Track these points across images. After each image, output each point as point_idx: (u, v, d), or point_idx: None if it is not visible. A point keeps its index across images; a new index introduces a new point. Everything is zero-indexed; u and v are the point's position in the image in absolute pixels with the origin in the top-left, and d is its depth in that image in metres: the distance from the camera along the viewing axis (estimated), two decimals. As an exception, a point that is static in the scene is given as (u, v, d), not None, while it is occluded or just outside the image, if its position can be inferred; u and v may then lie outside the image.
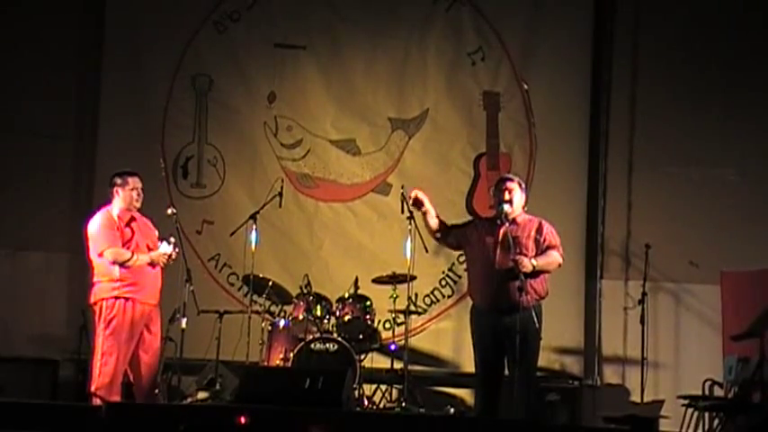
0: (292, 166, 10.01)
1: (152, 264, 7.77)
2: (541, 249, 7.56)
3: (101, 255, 7.72)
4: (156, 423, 6.71)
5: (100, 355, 7.65)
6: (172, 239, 7.87)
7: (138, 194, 7.86)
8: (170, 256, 7.82)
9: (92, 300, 7.77)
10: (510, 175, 7.91)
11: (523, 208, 7.72)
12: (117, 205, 7.84)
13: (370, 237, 9.92)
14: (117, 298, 7.65)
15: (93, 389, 7.64)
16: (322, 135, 10.03)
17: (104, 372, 7.61)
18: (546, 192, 9.60)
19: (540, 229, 7.60)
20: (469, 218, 9.50)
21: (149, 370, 7.83)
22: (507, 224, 7.53)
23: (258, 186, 9.75)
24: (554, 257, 7.57)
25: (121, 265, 7.69)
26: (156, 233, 7.95)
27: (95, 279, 7.76)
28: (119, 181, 7.86)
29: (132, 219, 7.84)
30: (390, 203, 9.77)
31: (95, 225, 7.78)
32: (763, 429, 7.97)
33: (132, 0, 10.13)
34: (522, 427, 7.11)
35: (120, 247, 7.71)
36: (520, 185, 7.69)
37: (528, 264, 7.40)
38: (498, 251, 7.53)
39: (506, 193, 7.60)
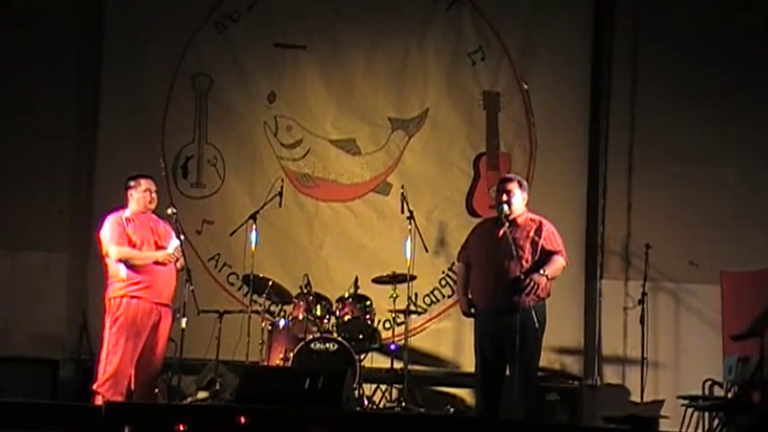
0: (292, 165, 10.01)
1: (160, 263, 7.82)
2: (539, 252, 7.53)
3: (106, 255, 7.87)
4: (155, 423, 6.71)
5: (105, 353, 7.76)
6: (181, 237, 7.96)
7: (152, 196, 7.99)
8: (172, 254, 7.87)
9: (105, 299, 7.89)
10: (510, 176, 7.89)
11: (526, 206, 7.70)
12: (131, 208, 7.99)
13: (370, 237, 9.91)
14: (124, 297, 7.76)
15: (95, 386, 7.69)
16: (322, 135, 10.03)
17: (107, 369, 7.70)
18: (546, 192, 9.59)
19: (539, 231, 7.58)
20: (469, 218, 9.58)
21: (152, 369, 7.88)
22: (507, 225, 7.52)
23: (258, 186, 9.75)
24: (560, 263, 7.57)
25: (126, 263, 7.76)
26: (173, 234, 8.00)
27: (109, 280, 7.90)
28: (132, 183, 8.00)
29: (132, 220, 7.89)
30: (390, 203, 9.77)
31: (104, 226, 7.94)
32: (763, 429, 7.97)
33: (132, 0, 10.12)
34: (522, 427, 7.11)
35: (123, 246, 7.81)
36: (520, 185, 7.66)
37: (543, 280, 7.41)
38: (496, 252, 7.52)
39: (504, 194, 7.59)
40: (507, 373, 7.56)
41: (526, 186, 7.74)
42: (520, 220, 7.61)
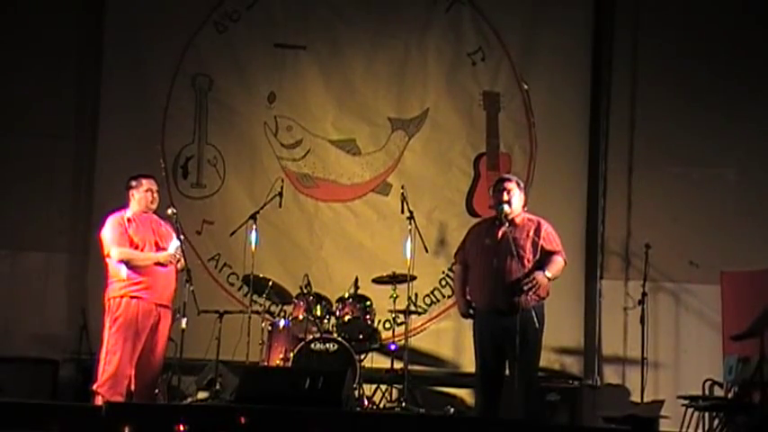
0: (292, 166, 10.01)
1: (161, 264, 7.83)
2: (539, 252, 7.53)
3: (108, 255, 7.87)
4: (155, 423, 6.71)
5: (104, 353, 7.76)
6: (181, 238, 7.96)
7: (153, 196, 7.99)
8: (173, 256, 7.88)
9: (104, 299, 7.89)
10: (508, 176, 7.89)
11: (523, 208, 7.71)
12: (132, 207, 7.99)
13: (370, 237, 9.91)
14: (124, 297, 7.76)
15: (95, 387, 7.69)
16: (322, 135, 10.03)
17: (107, 370, 7.70)
18: (546, 192, 9.61)
19: (538, 231, 7.58)
20: (469, 218, 9.57)
21: (151, 370, 7.88)
22: (506, 225, 7.52)
23: (258, 186, 9.74)
24: (560, 263, 7.57)
25: (127, 264, 7.77)
26: (174, 235, 8.00)
27: (109, 280, 7.90)
28: (133, 183, 7.99)
29: (133, 220, 7.90)
30: (390, 203, 9.77)
31: (105, 227, 7.94)
32: (763, 429, 7.97)
33: (132, 0, 10.13)
34: (522, 427, 7.11)
35: (125, 247, 7.80)
36: (518, 185, 7.67)
37: (544, 279, 7.41)
38: (496, 253, 7.52)
39: (505, 193, 7.59)
40: (507, 373, 7.56)
41: (523, 186, 7.76)
42: (518, 220, 7.61)
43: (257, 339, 8.85)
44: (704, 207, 9.74)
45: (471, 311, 7.67)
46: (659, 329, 9.63)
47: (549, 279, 7.47)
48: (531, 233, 7.57)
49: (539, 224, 7.63)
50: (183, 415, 6.71)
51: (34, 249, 9.91)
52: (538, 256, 7.54)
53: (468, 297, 7.71)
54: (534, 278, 7.39)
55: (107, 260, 7.90)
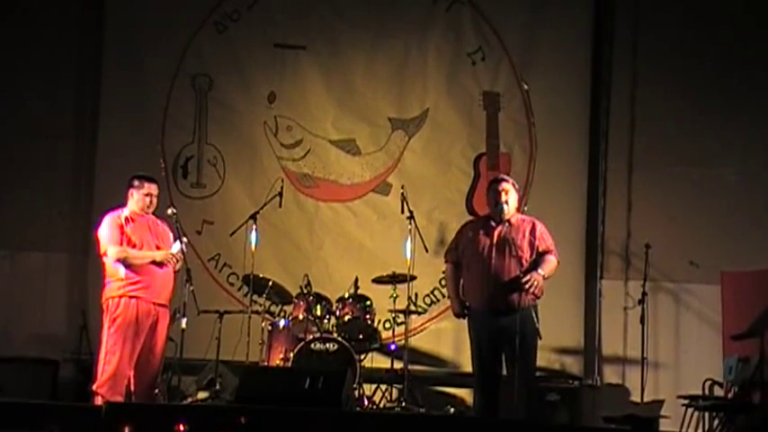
0: (292, 166, 10.01)
1: (158, 263, 7.82)
2: (535, 252, 7.55)
3: (104, 254, 7.86)
4: (155, 423, 6.71)
5: (103, 353, 7.75)
6: (184, 239, 7.95)
7: (152, 200, 7.97)
8: (174, 255, 7.87)
9: (102, 299, 7.89)
10: (504, 176, 7.93)
11: (517, 209, 7.73)
12: (129, 206, 7.98)
13: (370, 237, 9.92)
14: (122, 297, 7.74)
15: (94, 387, 7.69)
16: (322, 135, 10.04)
17: (106, 370, 7.69)
18: (546, 192, 9.62)
19: (533, 231, 7.60)
20: (469, 218, 9.55)
21: (151, 369, 7.87)
22: (503, 225, 7.54)
23: (258, 186, 9.75)
24: (553, 262, 7.58)
25: (124, 263, 7.76)
26: (171, 235, 8.00)
27: (106, 279, 7.89)
28: (136, 183, 7.98)
29: (131, 219, 7.89)
30: (390, 203, 9.78)
31: (102, 225, 7.93)
32: (763, 429, 7.97)
33: (132, 0, 10.13)
34: (522, 427, 7.11)
35: (121, 247, 7.79)
36: (514, 186, 7.70)
37: (542, 279, 7.42)
38: (494, 253, 7.52)
39: (503, 194, 7.61)
40: (506, 372, 7.56)
41: (518, 188, 7.80)
42: (513, 221, 7.63)
43: (257, 339, 8.85)
44: (704, 207, 9.74)
45: (465, 311, 7.68)
46: (659, 329, 9.63)
47: (543, 278, 7.48)
48: (527, 233, 7.59)
49: (533, 224, 7.65)
50: (182, 415, 6.71)
51: (34, 249, 9.90)
52: (534, 256, 7.55)
53: (462, 297, 7.71)
54: (532, 276, 7.40)
55: (104, 259, 7.89)
